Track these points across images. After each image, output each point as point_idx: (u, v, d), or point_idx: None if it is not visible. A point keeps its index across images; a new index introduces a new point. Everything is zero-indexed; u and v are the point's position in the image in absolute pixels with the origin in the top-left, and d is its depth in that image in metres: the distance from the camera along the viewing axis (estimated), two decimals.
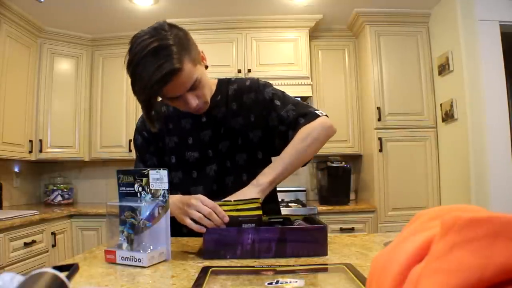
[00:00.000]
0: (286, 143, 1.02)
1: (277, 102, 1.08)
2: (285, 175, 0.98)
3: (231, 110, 1.10)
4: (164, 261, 0.78)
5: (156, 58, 0.84)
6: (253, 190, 0.92)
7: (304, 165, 1.05)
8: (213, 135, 1.09)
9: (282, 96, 1.12)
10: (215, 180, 1.09)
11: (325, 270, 0.71)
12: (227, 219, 0.82)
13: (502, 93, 2.30)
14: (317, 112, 1.07)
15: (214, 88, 1.12)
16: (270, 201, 1.12)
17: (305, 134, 1.00)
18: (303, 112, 1.06)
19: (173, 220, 1.12)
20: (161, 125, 1.10)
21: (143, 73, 0.85)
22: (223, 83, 1.14)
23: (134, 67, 0.86)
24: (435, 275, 0.23)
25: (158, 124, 1.06)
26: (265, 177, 0.95)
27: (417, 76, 2.80)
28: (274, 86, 1.16)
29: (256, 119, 1.09)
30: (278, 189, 1.18)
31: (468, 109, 2.34)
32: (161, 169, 0.80)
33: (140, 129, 1.14)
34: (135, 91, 0.90)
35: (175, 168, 1.10)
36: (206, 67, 1.02)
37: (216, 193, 1.03)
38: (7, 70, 2.57)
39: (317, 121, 1.03)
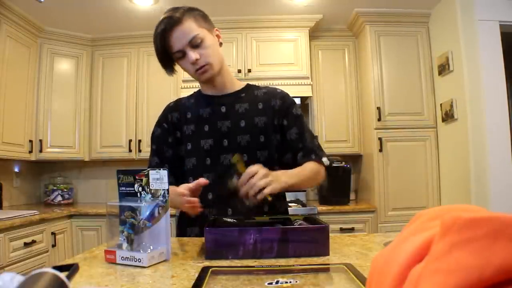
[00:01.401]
0: (294, 160, 1.13)
1: (302, 123, 1.19)
2: (294, 187, 1.04)
3: (256, 108, 1.16)
4: (164, 261, 0.78)
5: (166, 17, 1.05)
6: (281, 180, 0.97)
7: (294, 191, 1.14)
8: (232, 126, 1.14)
9: (305, 120, 1.23)
10: (228, 170, 1.10)
11: (325, 270, 0.71)
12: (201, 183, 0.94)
13: (502, 93, 2.30)
14: (323, 159, 1.17)
15: (237, 83, 1.21)
16: (282, 199, 1.21)
17: (315, 172, 1.11)
18: (317, 149, 1.17)
19: (182, 221, 1.16)
20: (180, 115, 1.18)
21: (155, 28, 1.06)
22: (251, 86, 1.24)
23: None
24: (435, 275, 0.23)
25: (174, 73, 1.17)
26: (290, 179, 1.01)
27: (417, 76, 2.80)
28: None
29: (278, 124, 1.17)
30: None
31: (468, 109, 2.34)
32: (161, 169, 0.80)
33: (161, 121, 1.21)
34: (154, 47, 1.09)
35: (190, 154, 1.15)
36: (221, 44, 1.14)
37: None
38: (7, 70, 2.57)
39: (322, 169, 1.16)
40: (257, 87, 1.23)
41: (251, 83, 1.26)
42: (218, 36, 1.14)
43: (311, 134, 1.20)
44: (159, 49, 1.07)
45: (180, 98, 1.24)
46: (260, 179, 0.88)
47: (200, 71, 1.08)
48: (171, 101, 1.27)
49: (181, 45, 1.05)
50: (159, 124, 1.21)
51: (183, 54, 1.06)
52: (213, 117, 1.15)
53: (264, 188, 0.88)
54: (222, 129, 1.13)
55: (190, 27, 1.04)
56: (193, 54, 1.05)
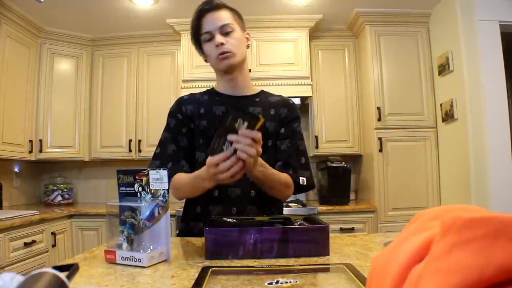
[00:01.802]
0: (272, 167, 1.10)
1: (296, 140, 1.21)
2: (264, 183, 1.03)
3: (268, 114, 1.19)
4: (164, 261, 0.78)
5: (208, 1, 1.13)
6: (259, 169, 0.97)
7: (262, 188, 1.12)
8: None
9: (301, 138, 1.24)
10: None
11: (325, 270, 0.71)
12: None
13: (502, 93, 2.30)
14: (300, 178, 1.15)
15: (253, 88, 1.24)
16: (275, 202, 1.19)
17: (285, 184, 1.10)
18: (299, 167, 1.17)
19: (186, 216, 1.18)
20: (193, 109, 1.20)
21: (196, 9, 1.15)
22: (265, 92, 1.27)
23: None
24: (435, 275, 0.23)
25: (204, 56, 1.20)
26: (268, 171, 1.02)
27: (417, 76, 2.80)
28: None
29: (281, 132, 1.20)
30: None
31: (468, 109, 2.34)
32: (161, 169, 0.80)
33: (174, 112, 1.21)
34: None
35: (202, 149, 1.16)
36: (248, 46, 1.19)
37: (234, 183, 1.06)
38: (7, 70, 2.57)
39: (292, 187, 1.14)
40: (271, 94, 1.26)
41: (265, 89, 1.29)
42: (247, 38, 1.20)
43: (302, 152, 1.21)
44: (194, 27, 1.13)
45: (193, 93, 1.25)
46: (249, 147, 0.83)
47: (222, 56, 1.10)
48: (184, 95, 1.27)
49: (211, 27, 1.10)
50: (173, 114, 1.21)
51: (211, 37, 1.10)
52: (226, 115, 1.15)
53: (243, 161, 0.85)
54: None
55: (226, 15, 1.12)
56: (220, 39, 1.09)
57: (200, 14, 1.12)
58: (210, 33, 1.10)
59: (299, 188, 1.17)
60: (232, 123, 0.84)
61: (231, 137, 0.83)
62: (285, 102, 1.24)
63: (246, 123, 0.84)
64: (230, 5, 1.18)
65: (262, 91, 1.26)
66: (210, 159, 0.85)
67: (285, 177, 1.09)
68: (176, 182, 1.07)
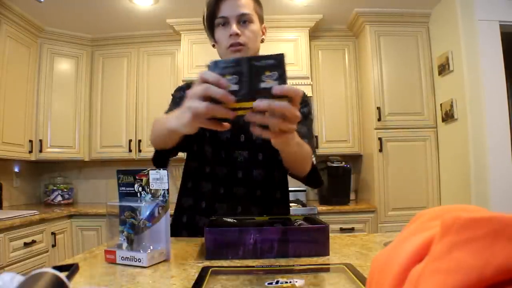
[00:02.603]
0: None
1: (308, 123, 1.12)
2: (296, 155, 0.90)
3: None
4: (164, 261, 0.78)
5: None
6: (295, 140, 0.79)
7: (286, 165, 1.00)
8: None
9: (311, 124, 1.18)
10: (241, 167, 1.08)
11: (325, 270, 0.71)
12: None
13: (502, 93, 2.30)
14: (313, 157, 1.03)
15: None
16: (280, 202, 1.15)
17: (308, 156, 0.97)
18: (313, 148, 1.05)
19: (173, 223, 1.13)
20: None
21: None
22: None
23: None
24: (435, 275, 0.23)
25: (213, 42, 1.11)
26: (300, 142, 0.85)
27: (417, 76, 2.80)
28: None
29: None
30: None
31: (468, 109, 2.34)
32: (161, 169, 0.80)
33: (177, 98, 1.11)
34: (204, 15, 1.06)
35: (206, 143, 1.10)
36: (262, 40, 1.14)
37: (240, 181, 1.05)
38: (7, 70, 2.57)
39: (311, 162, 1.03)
40: None
41: None
42: (263, 32, 1.13)
43: (312, 136, 1.13)
44: (210, 7, 1.02)
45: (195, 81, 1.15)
46: (290, 112, 0.57)
47: (233, 48, 1.01)
48: (187, 82, 1.21)
49: (229, 13, 1.00)
50: (175, 101, 1.12)
51: (225, 22, 1.02)
52: None
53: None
54: (240, 121, 1.08)
55: (248, 4, 1.02)
56: (236, 28, 1.00)
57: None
58: (226, 18, 1.01)
59: (309, 177, 1.05)
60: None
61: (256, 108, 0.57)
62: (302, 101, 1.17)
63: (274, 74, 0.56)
64: None
65: None
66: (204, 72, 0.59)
67: (307, 150, 0.94)
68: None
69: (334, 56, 3.10)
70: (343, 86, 3.07)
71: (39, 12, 2.72)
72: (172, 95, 1.16)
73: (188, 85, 1.15)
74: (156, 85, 3.10)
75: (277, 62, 0.55)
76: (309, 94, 2.88)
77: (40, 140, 2.93)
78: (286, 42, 2.94)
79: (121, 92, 3.13)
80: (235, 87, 0.56)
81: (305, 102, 1.16)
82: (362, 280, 0.58)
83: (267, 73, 0.55)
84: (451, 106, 2.49)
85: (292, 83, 2.86)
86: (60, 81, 3.04)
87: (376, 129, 2.74)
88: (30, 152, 2.85)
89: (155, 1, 2.66)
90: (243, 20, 1.01)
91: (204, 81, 0.57)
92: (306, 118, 1.12)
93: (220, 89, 0.55)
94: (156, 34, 3.11)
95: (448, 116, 2.55)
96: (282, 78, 0.55)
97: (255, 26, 1.05)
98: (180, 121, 0.66)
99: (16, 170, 3.03)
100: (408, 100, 2.78)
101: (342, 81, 3.08)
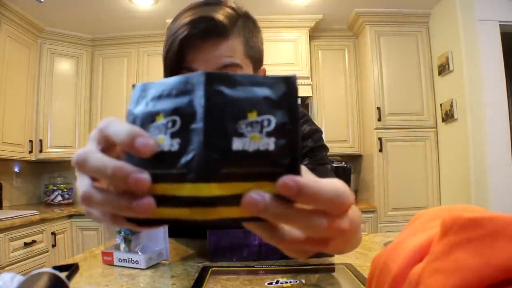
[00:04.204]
0: None
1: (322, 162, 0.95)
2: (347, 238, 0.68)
3: None
4: (163, 261, 0.78)
5: (203, 16, 0.64)
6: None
7: None
8: None
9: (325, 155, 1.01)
10: None
11: (325, 270, 0.71)
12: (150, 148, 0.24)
13: (502, 93, 2.30)
14: None
15: None
16: None
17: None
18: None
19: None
20: None
21: (174, 23, 0.67)
22: None
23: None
24: (435, 275, 0.23)
25: None
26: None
27: (417, 76, 2.80)
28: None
29: None
30: None
31: (468, 109, 2.34)
32: None
33: None
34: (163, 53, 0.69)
35: None
36: None
37: None
38: (7, 70, 2.57)
39: None
40: None
41: None
42: (263, 71, 0.83)
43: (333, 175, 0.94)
44: (172, 51, 0.66)
45: None
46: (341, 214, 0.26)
47: None
48: None
49: (204, 67, 0.66)
50: None
51: None
52: None
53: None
54: None
55: (233, 48, 0.67)
56: None
57: (187, 41, 0.65)
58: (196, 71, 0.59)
59: None
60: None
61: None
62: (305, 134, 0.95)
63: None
64: (245, 11, 0.75)
65: None
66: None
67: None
68: None
69: (334, 56, 3.10)
70: (343, 86, 3.07)
71: (39, 12, 2.72)
72: None
73: None
74: None
75: (279, 93, 0.24)
76: (309, 94, 2.88)
77: (40, 140, 2.93)
78: (286, 42, 2.94)
79: (121, 92, 3.13)
80: (174, 146, 0.23)
81: (306, 125, 0.90)
82: (362, 280, 0.58)
83: (251, 116, 0.23)
84: (451, 106, 2.49)
85: None
86: (60, 81, 3.04)
87: (376, 129, 2.74)
88: (30, 152, 2.85)
89: (155, 1, 2.66)
90: None
91: (103, 138, 0.27)
92: (314, 153, 0.85)
93: (135, 151, 0.23)
94: (156, 34, 3.11)
95: (448, 116, 2.55)
96: (287, 133, 0.23)
97: None
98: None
99: (16, 170, 3.03)
100: (408, 100, 2.78)
101: (342, 81, 3.08)
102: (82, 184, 0.25)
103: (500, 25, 2.33)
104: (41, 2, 2.48)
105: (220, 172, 0.22)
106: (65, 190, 3.19)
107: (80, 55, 3.14)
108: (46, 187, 3.22)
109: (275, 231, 0.27)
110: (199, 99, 0.23)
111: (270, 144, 0.23)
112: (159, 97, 0.24)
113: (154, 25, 3.00)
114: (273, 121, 0.23)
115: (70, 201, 3.20)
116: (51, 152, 2.98)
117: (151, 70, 3.13)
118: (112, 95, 3.14)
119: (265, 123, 0.23)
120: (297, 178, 0.22)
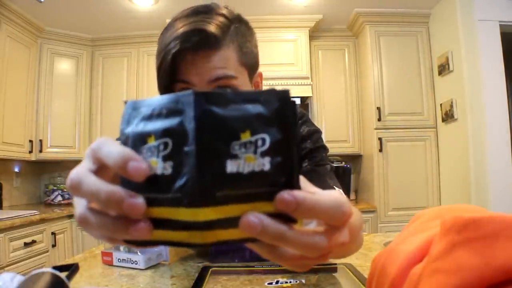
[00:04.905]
0: None
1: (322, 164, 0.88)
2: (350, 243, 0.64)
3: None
4: (163, 261, 0.78)
5: (197, 29, 0.62)
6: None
7: None
8: None
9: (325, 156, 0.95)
10: None
11: (325, 270, 0.71)
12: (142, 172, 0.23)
13: (502, 93, 2.30)
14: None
15: None
16: None
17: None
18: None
19: None
20: None
21: (165, 34, 0.66)
22: None
23: (161, 35, 0.68)
24: (435, 275, 0.23)
25: None
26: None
27: (417, 76, 2.80)
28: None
29: None
30: None
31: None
32: None
33: None
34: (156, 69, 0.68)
35: None
36: None
37: None
38: (7, 70, 2.57)
39: None
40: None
41: None
42: (257, 83, 0.77)
43: (336, 181, 0.87)
44: (165, 64, 0.65)
45: None
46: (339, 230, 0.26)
47: None
48: None
49: (196, 78, 0.64)
50: None
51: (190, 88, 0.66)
52: None
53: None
54: None
55: (226, 58, 0.65)
56: None
57: (180, 54, 0.63)
58: (190, 84, 0.65)
59: None
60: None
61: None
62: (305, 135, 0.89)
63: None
64: (238, 15, 0.73)
65: None
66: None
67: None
68: None
69: (334, 56, 3.10)
70: (343, 86, 3.07)
71: (39, 12, 2.72)
72: None
73: None
74: (156, 85, 3.10)
75: (272, 109, 0.23)
76: (309, 94, 2.88)
77: (40, 140, 2.93)
78: (286, 42, 2.94)
79: (121, 92, 3.13)
80: (167, 169, 0.23)
81: (304, 126, 0.86)
82: (362, 280, 0.58)
83: (244, 137, 0.22)
84: (451, 106, 2.49)
85: (292, 83, 2.86)
86: (60, 81, 3.04)
87: (376, 129, 2.74)
88: (30, 152, 2.85)
89: (155, 1, 2.66)
90: (219, 86, 0.65)
91: (97, 160, 0.26)
92: (314, 154, 0.82)
93: (127, 174, 0.23)
94: (156, 34, 3.09)
95: (448, 116, 2.55)
96: (282, 150, 0.23)
97: (241, 87, 0.68)
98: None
99: (16, 170, 3.03)
100: (408, 100, 2.78)
101: (342, 81, 3.08)
102: (78, 205, 0.25)
103: (500, 25, 2.33)
104: (41, 2, 2.48)
105: (215, 195, 0.22)
106: (65, 190, 3.18)
107: (80, 55, 3.14)
108: (46, 187, 3.22)
109: (274, 249, 0.27)
110: (189, 121, 0.22)
111: (265, 164, 0.22)
112: (150, 117, 0.24)
113: (154, 25, 3.00)
114: (267, 140, 0.23)
115: (70, 201, 3.20)
116: (51, 152, 2.98)
117: (151, 70, 3.13)
118: (112, 95, 3.14)
119: (259, 143, 0.22)
120: (295, 192, 0.22)
